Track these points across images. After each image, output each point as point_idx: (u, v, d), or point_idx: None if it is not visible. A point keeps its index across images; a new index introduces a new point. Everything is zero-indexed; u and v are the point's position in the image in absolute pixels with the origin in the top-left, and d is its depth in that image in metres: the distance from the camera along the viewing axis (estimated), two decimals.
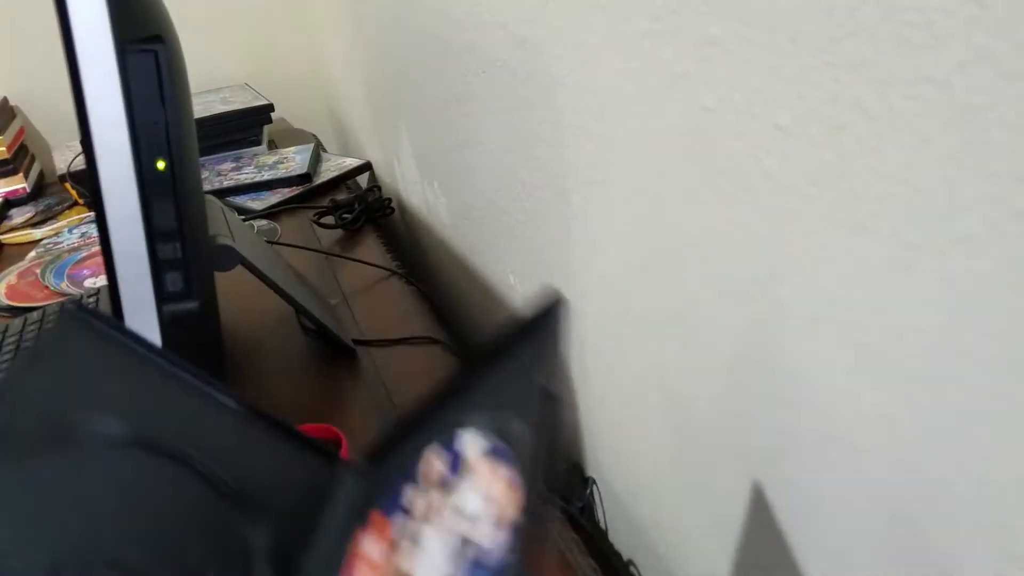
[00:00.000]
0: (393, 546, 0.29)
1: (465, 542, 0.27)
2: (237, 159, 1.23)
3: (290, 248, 0.96)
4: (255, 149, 1.26)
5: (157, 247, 0.46)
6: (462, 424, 0.31)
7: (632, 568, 0.58)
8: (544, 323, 0.29)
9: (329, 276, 0.89)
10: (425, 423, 0.32)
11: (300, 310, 0.69)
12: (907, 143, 0.26)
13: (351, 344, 0.74)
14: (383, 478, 0.32)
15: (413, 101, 0.86)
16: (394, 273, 0.88)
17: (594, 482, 0.61)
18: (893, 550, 0.31)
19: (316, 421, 0.65)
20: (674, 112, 0.38)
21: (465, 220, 0.79)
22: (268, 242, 0.93)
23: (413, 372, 0.70)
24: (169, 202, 0.46)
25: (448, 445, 0.31)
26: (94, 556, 0.27)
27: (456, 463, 0.29)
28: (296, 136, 1.40)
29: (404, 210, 1.07)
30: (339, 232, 1.00)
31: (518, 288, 0.68)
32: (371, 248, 0.95)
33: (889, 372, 0.29)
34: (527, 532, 0.24)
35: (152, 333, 0.44)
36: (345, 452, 0.60)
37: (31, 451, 0.29)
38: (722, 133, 0.35)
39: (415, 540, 0.29)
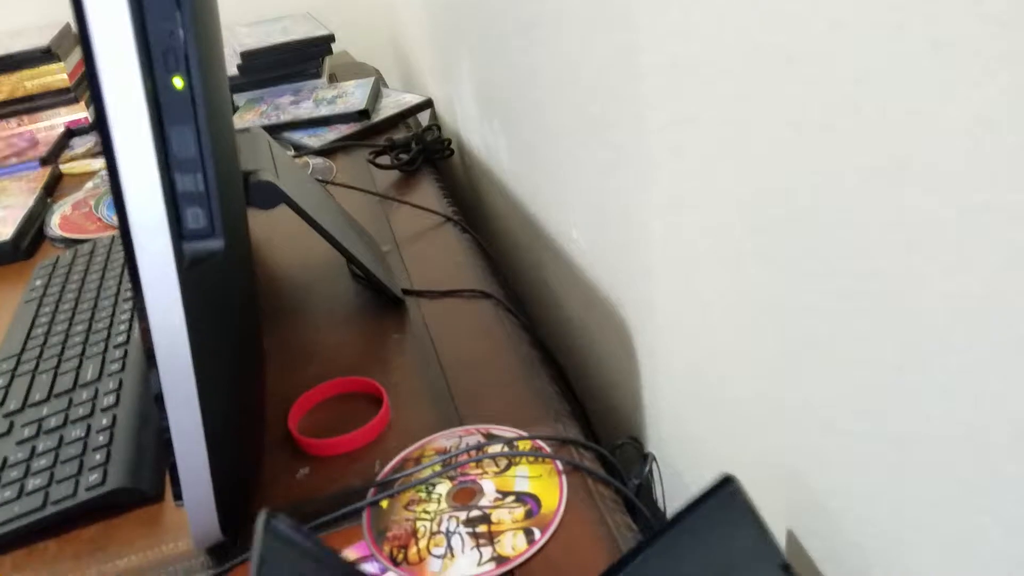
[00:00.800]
0: None
1: None
2: (296, 92, 1.19)
3: (344, 189, 0.92)
4: (315, 82, 1.21)
5: (175, 177, 0.41)
6: None
7: None
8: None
9: (382, 220, 0.85)
10: None
11: (347, 256, 0.65)
12: None
13: (400, 295, 0.70)
14: None
15: (476, 30, 0.79)
16: (449, 220, 0.83)
17: (654, 459, 0.56)
18: None
19: (359, 373, 0.62)
20: (786, 27, 0.31)
21: (526, 164, 0.73)
22: (321, 181, 0.89)
23: (462, 327, 0.66)
24: (189, 126, 0.41)
25: None
26: None
27: None
28: (358, 70, 1.35)
29: (463, 152, 1.01)
30: (395, 173, 0.95)
31: (581, 243, 0.62)
32: (427, 192, 0.90)
33: None
34: None
35: (168, 275, 0.40)
36: (386, 409, 0.56)
37: None
38: (845, 54, 0.28)
39: None
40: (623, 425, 0.62)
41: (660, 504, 0.57)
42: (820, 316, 0.33)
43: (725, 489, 0.34)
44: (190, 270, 0.42)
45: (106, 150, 0.38)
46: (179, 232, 0.42)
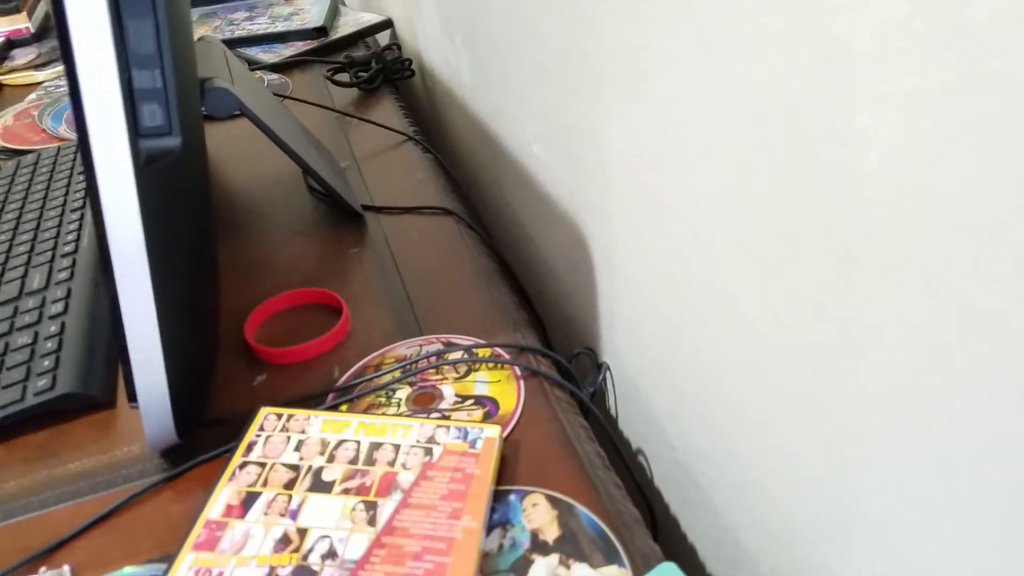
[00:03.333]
0: None
1: None
2: (251, 8, 1.14)
3: (302, 105, 0.89)
4: None
5: (133, 72, 0.40)
6: None
7: (641, 458, 0.55)
8: None
9: (340, 137, 0.83)
10: None
11: (304, 168, 0.64)
12: None
13: (359, 209, 0.69)
14: None
15: None
16: (410, 138, 0.82)
17: (608, 368, 0.57)
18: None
19: (317, 285, 0.61)
20: None
21: (487, 80, 0.72)
22: (277, 96, 0.87)
23: (422, 242, 0.65)
24: (148, 21, 0.40)
25: None
26: None
27: None
28: None
29: (425, 73, 0.99)
30: (354, 92, 0.93)
31: (541, 157, 0.62)
32: (387, 111, 0.89)
33: None
34: None
35: (125, 171, 0.39)
36: (346, 319, 0.56)
37: None
38: None
39: None
40: (580, 336, 0.63)
41: (613, 411, 0.58)
42: (775, 214, 0.33)
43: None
44: (146, 168, 0.41)
45: (63, 43, 0.36)
46: (135, 129, 0.41)
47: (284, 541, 0.39)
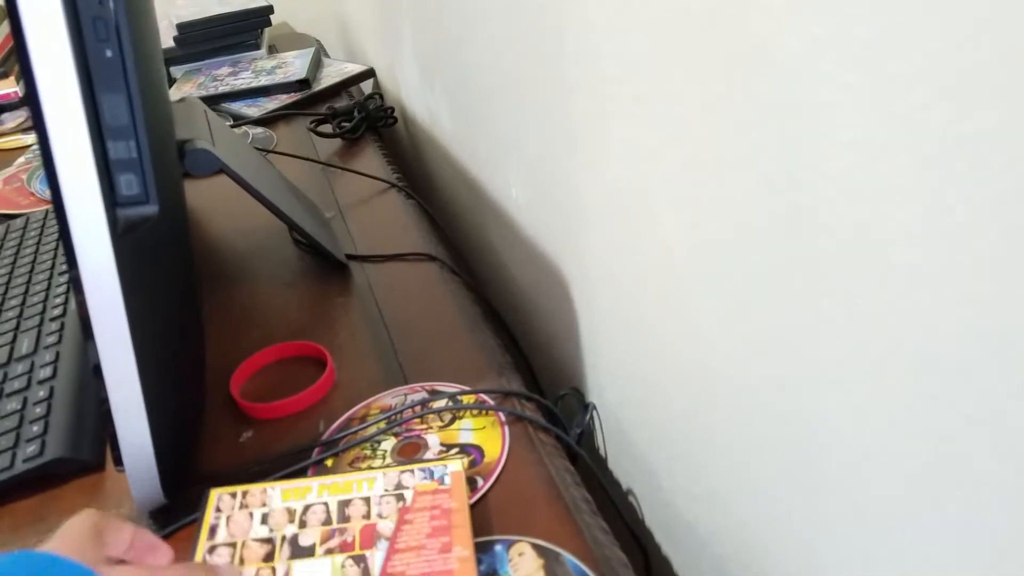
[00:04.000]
0: None
1: None
2: (235, 64, 1.17)
3: (286, 158, 0.91)
4: (254, 53, 1.19)
5: (108, 145, 0.41)
6: None
7: (631, 498, 0.55)
8: None
9: (325, 187, 0.85)
10: None
11: (287, 222, 0.65)
12: None
13: (343, 259, 0.70)
14: None
15: None
16: (393, 186, 0.83)
17: (594, 408, 0.58)
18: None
19: (303, 337, 0.62)
20: None
21: (466, 126, 0.73)
22: (261, 150, 0.88)
23: (406, 289, 0.66)
24: (120, 94, 0.41)
25: None
26: None
27: None
28: (299, 41, 1.33)
29: (408, 120, 1.01)
30: (338, 142, 0.94)
31: (519, 201, 0.63)
32: (371, 159, 0.90)
33: None
34: None
35: (102, 241, 0.40)
36: (330, 371, 0.56)
37: None
38: (769, 28, 0.29)
39: None
40: (566, 377, 0.63)
41: (601, 450, 0.58)
42: (740, 258, 0.34)
43: None
44: (124, 236, 0.42)
45: (36, 118, 0.37)
46: (112, 199, 0.42)
47: None
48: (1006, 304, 0.21)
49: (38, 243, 0.75)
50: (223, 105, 1.04)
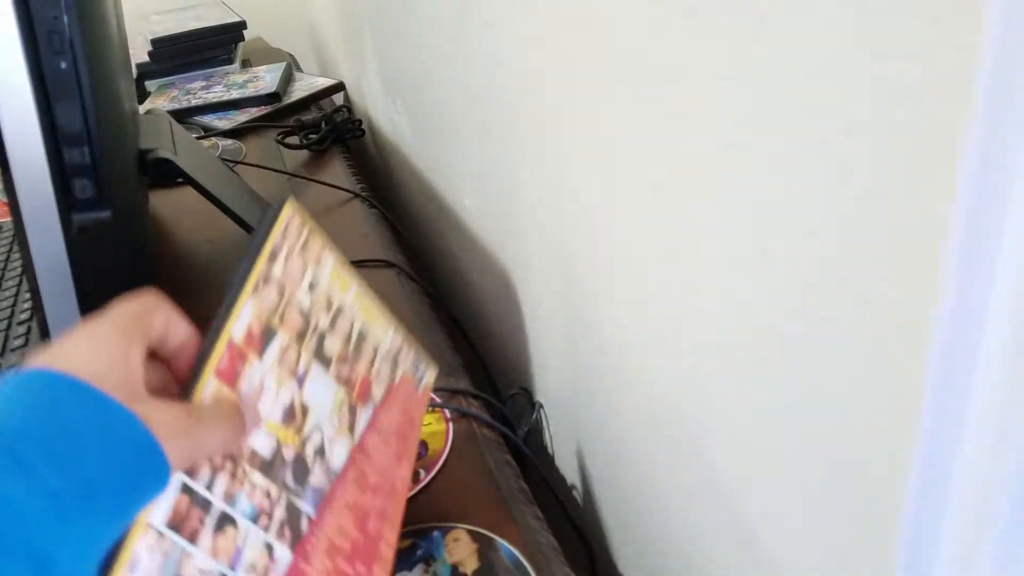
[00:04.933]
0: None
1: None
2: (208, 77, 1.19)
3: (254, 169, 0.93)
4: (227, 68, 1.21)
5: (63, 151, 0.43)
6: None
7: (575, 492, 0.58)
8: None
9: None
10: None
11: (245, 227, 0.67)
12: None
13: None
14: None
15: (373, 9, 0.82)
16: (356, 196, 0.85)
17: (542, 406, 0.60)
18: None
19: None
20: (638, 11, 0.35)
21: (426, 138, 0.76)
22: (230, 161, 0.90)
23: None
24: (75, 103, 0.43)
25: None
26: None
27: None
28: (273, 55, 1.35)
29: (374, 132, 1.03)
30: (306, 154, 0.97)
31: (472, 209, 0.66)
32: (337, 170, 0.92)
33: None
34: None
35: (57, 243, 0.42)
36: None
37: None
38: (689, 44, 0.32)
39: None
40: (517, 377, 0.65)
41: (549, 448, 0.61)
42: (664, 277, 0.36)
43: None
44: (79, 238, 0.44)
45: None
46: (67, 202, 0.44)
47: (290, 414, 0.36)
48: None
49: (10, 250, 0.77)
50: (195, 118, 1.06)
